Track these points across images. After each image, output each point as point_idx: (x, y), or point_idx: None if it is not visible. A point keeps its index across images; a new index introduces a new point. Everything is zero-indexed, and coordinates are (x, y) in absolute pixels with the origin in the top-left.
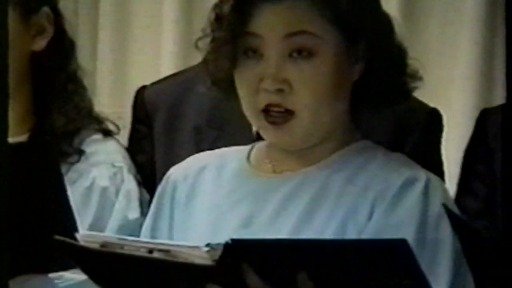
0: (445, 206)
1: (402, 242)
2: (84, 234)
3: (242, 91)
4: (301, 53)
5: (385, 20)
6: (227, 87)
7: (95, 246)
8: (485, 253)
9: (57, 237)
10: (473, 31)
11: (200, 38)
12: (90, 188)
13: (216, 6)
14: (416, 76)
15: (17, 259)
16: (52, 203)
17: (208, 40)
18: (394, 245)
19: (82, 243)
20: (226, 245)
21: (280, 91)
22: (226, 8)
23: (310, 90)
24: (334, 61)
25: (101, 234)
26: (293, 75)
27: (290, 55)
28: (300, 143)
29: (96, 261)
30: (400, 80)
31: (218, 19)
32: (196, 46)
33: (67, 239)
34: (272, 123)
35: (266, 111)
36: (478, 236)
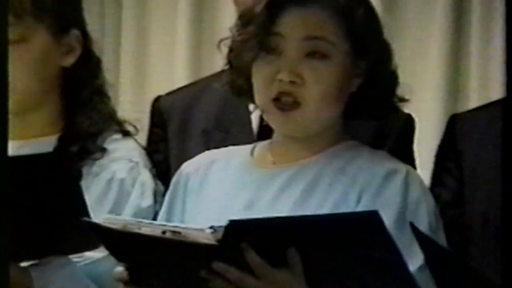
0: (412, 224)
1: (374, 214)
2: (108, 217)
3: (258, 81)
4: (316, 54)
5: (386, 48)
6: (242, 79)
7: (117, 227)
8: (448, 266)
9: (87, 219)
10: (441, 47)
11: (223, 39)
12: (110, 180)
13: (243, 13)
14: (403, 99)
15: (41, 245)
16: (70, 202)
17: (229, 41)
18: (367, 216)
19: (106, 224)
20: (227, 227)
21: (293, 82)
22: (254, 13)
23: (318, 86)
24: (342, 66)
25: (122, 217)
26: (307, 71)
27: (307, 55)
28: (302, 131)
29: (118, 240)
30: (389, 100)
31: (246, 22)
32: (218, 47)
33: (95, 221)
34: (281, 109)
35: (277, 99)
36: (441, 251)
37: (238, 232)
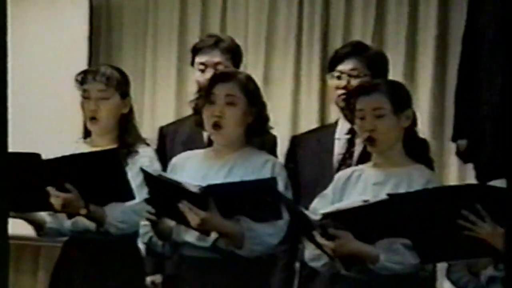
0: (285, 199)
1: (272, 180)
2: (152, 169)
3: (205, 117)
4: (231, 103)
5: (263, 103)
6: (199, 117)
7: (156, 174)
8: (288, 208)
9: (144, 169)
10: (291, 102)
11: (191, 101)
12: (140, 167)
13: (200, 89)
14: (271, 127)
15: (107, 196)
16: (118, 179)
17: (194, 102)
18: (268, 181)
19: (150, 172)
20: (206, 187)
21: (220, 116)
22: (204, 86)
23: (232, 119)
24: (243, 110)
25: (158, 170)
26: (226, 111)
27: (226, 104)
28: (225, 141)
29: (153, 181)
30: (265, 128)
31: (201, 90)
32: (189, 103)
33: (146, 170)
34: (215, 131)
35: (214, 125)
36: (288, 201)
37: (210, 190)
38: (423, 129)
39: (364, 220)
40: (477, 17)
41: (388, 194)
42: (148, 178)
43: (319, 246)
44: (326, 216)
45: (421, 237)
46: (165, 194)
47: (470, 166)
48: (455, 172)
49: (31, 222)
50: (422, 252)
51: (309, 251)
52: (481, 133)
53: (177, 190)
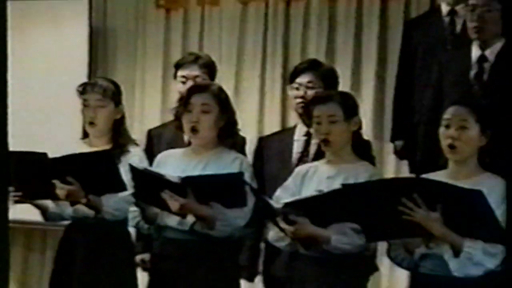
0: (252, 187)
1: (240, 174)
2: (139, 165)
3: (185, 122)
4: (206, 111)
5: (233, 110)
6: (179, 122)
7: (142, 168)
8: (255, 194)
9: (132, 164)
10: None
11: (172, 109)
12: (129, 163)
13: (181, 98)
14: (239, 130)
15: (103, 188)
16: (112, 174)
17: (175, 109)
18: (236, 174)
19: (137, 166)
20: (185, 178)
21: (196, 122)
22: (184, 96)
23: (206, 123)
24: (215, 116)
25: (144, 166)
26: (201, 118)
27: (202, 112)
28: (201, 142)
29: (139, 173)
30: (235, 130)
31: (181, 99)
32: (171, 110)
33: (134, 165)
34: (193, 134)
35: (192, 129)
36: (253, 189)
37: (186, 181)
38: (367, 132)
39: (319, 207)
40: (411, 38)
41: (342, 184)
42: (136, 172)
43: (281, 229)
44: (287, 204)
45: (367, 220)
46: (150, 185)
47: (405, 162)
48: (393, 168)
49: (38, 207)
50: (368, 233)
51: (274, 233)
52: (414, 135)
53: (160, 181)
